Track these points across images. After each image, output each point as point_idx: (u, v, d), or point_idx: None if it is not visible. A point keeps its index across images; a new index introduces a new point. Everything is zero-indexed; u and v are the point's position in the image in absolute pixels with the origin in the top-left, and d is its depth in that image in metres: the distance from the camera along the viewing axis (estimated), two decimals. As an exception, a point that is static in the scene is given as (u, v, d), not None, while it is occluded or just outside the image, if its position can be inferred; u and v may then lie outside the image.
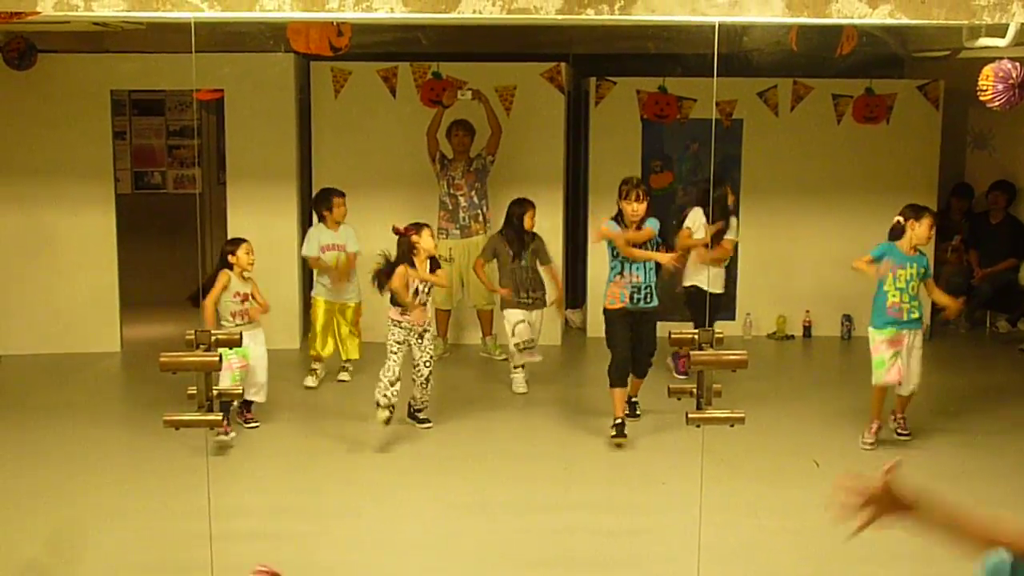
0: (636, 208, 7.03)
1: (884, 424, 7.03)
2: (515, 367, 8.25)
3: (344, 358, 8.40)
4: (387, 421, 6.95)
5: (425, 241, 7.05)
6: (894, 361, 6.89)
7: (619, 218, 7.12)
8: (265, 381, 7.20)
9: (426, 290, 7.15)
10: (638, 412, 7.47)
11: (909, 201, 7.29)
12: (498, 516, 5.89)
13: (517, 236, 8.16)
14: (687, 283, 8.32)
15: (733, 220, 8.41)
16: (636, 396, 7.44)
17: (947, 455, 6.83)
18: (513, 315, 8.14)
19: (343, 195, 8.35)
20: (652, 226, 7.12)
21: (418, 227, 7.08)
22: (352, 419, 7.46)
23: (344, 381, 8.36)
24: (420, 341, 7.11)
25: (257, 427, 7.22)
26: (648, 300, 7.12)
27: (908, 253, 7.00)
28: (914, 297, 6.97)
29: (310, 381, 8.30)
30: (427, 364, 7.15)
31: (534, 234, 8.25)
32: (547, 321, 8.54)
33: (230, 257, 7.11)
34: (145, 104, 11.50)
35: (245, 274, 7.11)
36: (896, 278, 6.95)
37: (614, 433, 7.02)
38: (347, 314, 8.34)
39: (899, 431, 7.09)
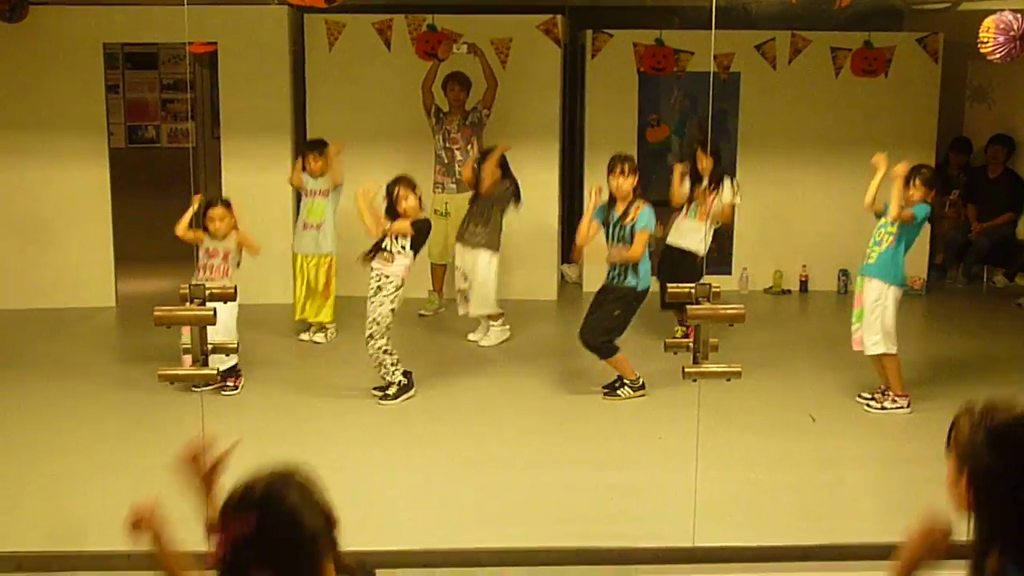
0: (621, 183, 6.90)
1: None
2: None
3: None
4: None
5: (409, 200, 6.86)
6: (857, 324, 6.84)
7: (611, 197, 6.99)
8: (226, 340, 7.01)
9: (394, 240, 6.89)
10: (616, 391, 7.10)
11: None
12: (492, 471, 5.88)
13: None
14: (676, 242, 8.13)
15: (727, 182, 8.19)
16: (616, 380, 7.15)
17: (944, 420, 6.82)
18: (456, 257, 8.27)
19: (321, 150, 8.22)
20: (647, 225, 6.85)
21: (408, 184, 6.95)
22: (342, 375, 7.46)
23: (318, 343, 8.27)
24: (372, 296, 6.91)
25: (236, 393, 7.01)
26: (622, 279, 6.93)
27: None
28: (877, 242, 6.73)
29: (318, 337, 8.26)
30: (368, 324, 6.87)
31: (510, 183, 8.17)
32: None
33: (203, 221, 7.03)
34: (138, 57, 11.43)
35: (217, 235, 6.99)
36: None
37: (635, 389, 7.05)
38: (320, 266, 8.25)
39: (869, 403, 6.83)
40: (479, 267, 8.12)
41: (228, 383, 6.99)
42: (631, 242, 6.83)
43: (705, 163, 7.99)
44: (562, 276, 10.13)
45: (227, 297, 4.01)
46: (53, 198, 9.19)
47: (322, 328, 8.29)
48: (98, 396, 7.09)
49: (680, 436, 6.05)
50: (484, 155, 8.18)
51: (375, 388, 7.00)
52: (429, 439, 6.41)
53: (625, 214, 6.88)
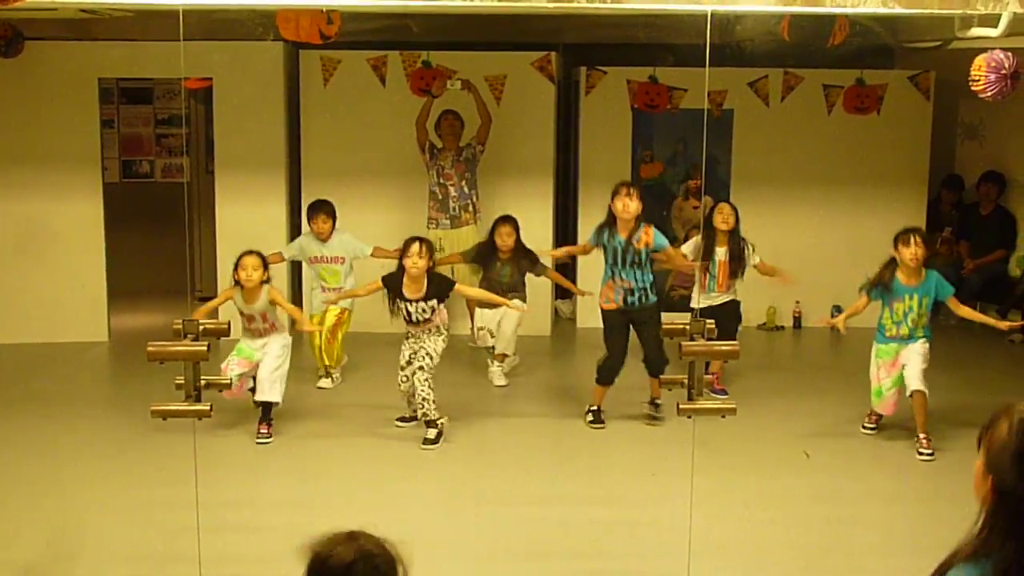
0: (628, 204, 6.93)
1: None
2: (492, 359, 8.31)
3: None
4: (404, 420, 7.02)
5: (408, 260, 6.78)
6: (893, 391, 6.82)
7: (610, 222, 7.03)
8: (274, 379, 6.88)
9: (421, 307, 6.84)
10: (661, 414, 7.19)
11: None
12: (488, 508, 5.86)
13: (492, 252, 8.18)
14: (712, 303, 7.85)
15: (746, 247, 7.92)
16: (659, 397, 7.22)
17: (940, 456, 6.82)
18: (480, 317, 8.24)
19: (329, 211, 8.01)
20: (660, 243, 7.03)
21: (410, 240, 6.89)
22: (342, 412, 7.44)
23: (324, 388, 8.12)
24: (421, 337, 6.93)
25: (270, 442, 6.87)
26: (644, 299, 7.05)
27: (908, 283, 6.77)
28: (921, 316, 6.80)
29: (323, 383, 8.09)
30: (421, 357, 6.87)
31: (527, 251, 8.20)
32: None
33: (234, 274, 6.88)
34: (133, 92, 11.46)
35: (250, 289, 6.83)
36: (893, 312, 6.82)
37: (591, 419, 7.16)
38: (335, 319, 8.05)
39: (920, 450, 6.67)
40: (511, 319, 8.14)
41: (261, 429, 6.90)
42: (647, 264, 6.99)
43: (729, 218, 7.74)
44: (556, 312, 10.12)
45: (220, 332, 4.00)
46: (47, 232, 9.16)
47: (327, 374, 8.14)
48: (91, 431, 7.05)
49: (675, 472, 6.03)
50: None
51: (399, 419, 7.09)
52: (421, 477, 6.38)
53: (635, 238, 6.96)
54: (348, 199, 8.50)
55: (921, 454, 6.64)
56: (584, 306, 9.67)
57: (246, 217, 9.09)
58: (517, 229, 8.21)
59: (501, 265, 8.18)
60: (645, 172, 9.95)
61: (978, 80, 5.92)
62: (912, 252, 6.67)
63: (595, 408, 7.20)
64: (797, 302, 10.07)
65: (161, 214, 10.82)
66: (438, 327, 6.92)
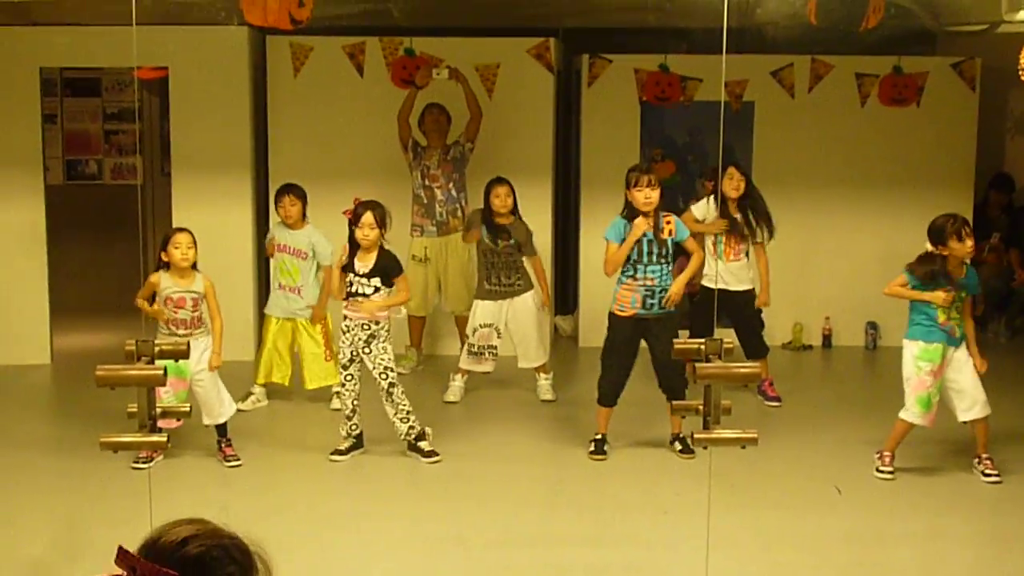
0: (650, 195, 6.98)
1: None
2: (456, 372, 8.37)
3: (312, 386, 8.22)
4: (338, 455, 7.07)
5: (361, 229, 6.98)
6: (938, 397, 6.82)
7: (631, 216, 7.08)
8: (221, 396, 7.04)
9: (363, 282, 7.03)
10: (693, 447, 6.96)
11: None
12: (476, 551, 5.86)
13: (489, 218, 8.23)
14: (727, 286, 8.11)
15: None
16: (681, 432, 7.16)
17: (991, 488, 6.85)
18: (479, 311, 8.29)
19: (298, 193, 8.14)
20: (683, 234, 7.12)
21: (362, 208, 7.06)
22: (312, 443, 7.46)
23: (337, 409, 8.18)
24: (367, 348, 7.02)
25: (240, 465, 7.02)
26: (663, 305, 7.07)
27: (956, 275, 6.79)
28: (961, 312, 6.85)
29: (242, 404, 8.01)
30: (383, 375, 7.03)
31: (519, 220, 8.27)
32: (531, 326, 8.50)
33: (162, 254, 7.03)
34: (79, 83, 11.49)
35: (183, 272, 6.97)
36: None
37: (592, 449, 7.17)
38: (308, 331, 8.16)
39: (986, 472, 6.77)
40: (527, 314, 8.26)
41: (228, 453, 7.04)
42: (670, 259, 7.07)
43: (737, 180, 8.03)
44: (555, 329, 10.15)
45: (179, 354, 4.02)
46: (-19, 241, 9.21)
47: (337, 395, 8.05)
48: (32, 464, 7.07)
49: (688, 511, 6.05)
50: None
51: (335, 453, 7.10)
52: (407, 513, 6.39)
53: (657, 228, 7.02)
54: (321, 203, 8.52)
55: (987, 475, 6.74)
56: (587, 324, 9.70)
57: (207, 224, 9.05)
58: (514, 193, 8.25)
59: (496, 234, 8.21)
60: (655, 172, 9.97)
61: (1028, 69, 5.97)
62: (968, 246, 6.69)
63: (598, 437, 7.22)
64: (827, 318, 10.10)
65: (110, 220, 10.84)
66: (385, 329, 7.03)
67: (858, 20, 7.30)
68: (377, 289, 7.00)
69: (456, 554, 5.82)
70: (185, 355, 4.02)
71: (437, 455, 7.06)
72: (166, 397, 6.53)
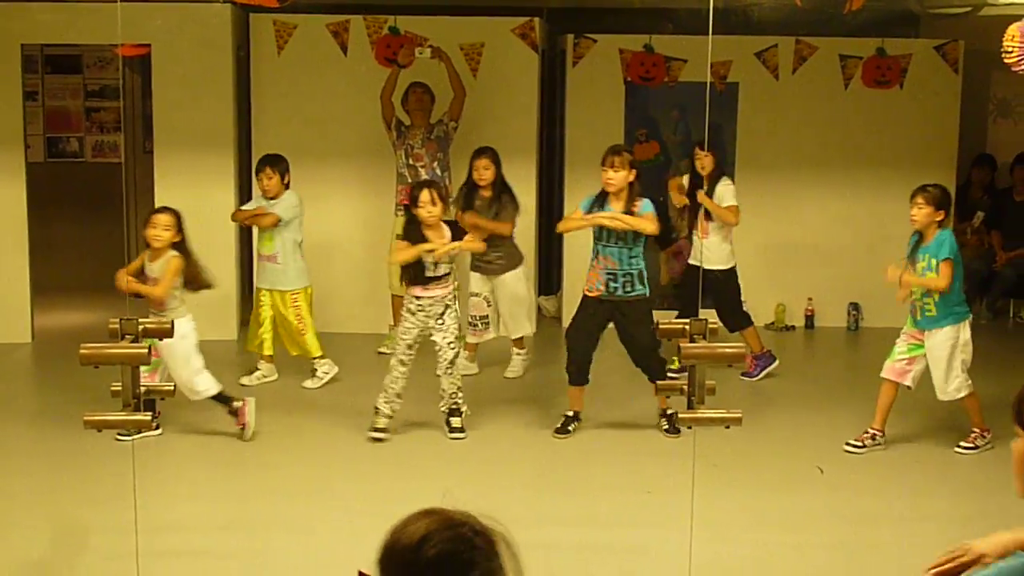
0: (612, 176, 6.99)
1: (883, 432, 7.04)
2: (464, 349, 8.38)
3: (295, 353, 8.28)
4: (382, 432, 7.07)
5: (421, 210, 7.05)
6: (908, 358, 6.91)
7: (602, 195, 7.08)
8: (197, 377, 6.99)
9: (446, 261, 7.13)
10: (679, 426, 7.03)
11: (925, 175, 7.31)
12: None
13: (470, 189, 8.29)
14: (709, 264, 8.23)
15: (726, 185, 8.29)
16: (668, 408, 7.10)
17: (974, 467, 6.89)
18: (470, 281, 8.40)
19: (276, 166, 8.16)
20: (647, 209, 7.05)
21: (416, 193, 7.15)
22: (297, 423, 7.45)
23: (310, 388, 8.22)
24: (441, 320, 7.11)
25: (251, 434, 7.06)
26: (629, 288, 7.07)
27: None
28: (927, 293, 6.90)
29: (246, 379, 8.21)
30: (452, 345, 7.14)
31: (507, 192, 8.29)
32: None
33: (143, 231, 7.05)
34: (60, 60, 11.42)
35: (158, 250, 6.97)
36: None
37: (558, 427, 7.23)
38: (286, 302, 8.19)
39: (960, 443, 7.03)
40: (510, 289, 8.37)
41: (239, 423, 7.06)
42: (635, 244, 7.03)
43: (705, 161, 8.12)
44: (539, 310, 10.14)
45: (163, 333, 4.01)
46: (-38, 219, 9.15)
47: (312, 372, 8.24)
48: (13, 444, 7.05)
49: (673, 490, 6.06)
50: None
51: (376, 430, 7.10)
52: (397, 492, 6.37)
53: (628, 212, 7.01)
54: (305, 182, 8.50)
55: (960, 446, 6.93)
56: (570, 304, 9.68)
57: (189, 202, 8.98)
58: (497, 162, 8.28)
59: (481, 206, 8.24)
60: (639, 153, 9.96)
61: (1011, 51, 5.97)
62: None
63: (568, 414, 7.24)
64: (809, 299, 10.12)
65: (92, 199, 10.81)
66: (453, 296, 7.18)
67: (842, 2, 7.31)
68: (452, 260, 7.18)
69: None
70: (169, 334, 4.01)
71: (463, 433, 7.15)
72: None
